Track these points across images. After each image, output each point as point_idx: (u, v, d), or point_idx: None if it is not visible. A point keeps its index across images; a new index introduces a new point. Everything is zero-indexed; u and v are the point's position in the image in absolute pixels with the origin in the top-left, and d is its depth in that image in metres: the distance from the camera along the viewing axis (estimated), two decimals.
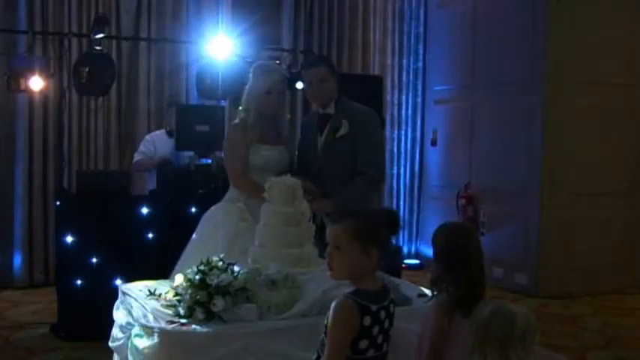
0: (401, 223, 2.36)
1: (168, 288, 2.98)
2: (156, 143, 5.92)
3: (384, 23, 8.09)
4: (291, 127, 3.91)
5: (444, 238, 2.53)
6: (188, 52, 7.08)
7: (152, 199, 5.28)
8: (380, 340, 2.29)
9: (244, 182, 3.59)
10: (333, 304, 2.24)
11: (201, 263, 2.80)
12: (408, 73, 8.20)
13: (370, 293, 2.27)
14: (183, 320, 2.71)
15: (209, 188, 5.05)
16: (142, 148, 5.97)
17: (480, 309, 2.09)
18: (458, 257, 2.46)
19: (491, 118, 7.19)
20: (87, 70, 5.65)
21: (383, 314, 2.28)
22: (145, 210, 5.10)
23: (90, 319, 4.56)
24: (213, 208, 3.70)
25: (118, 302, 3.21)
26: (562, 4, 6.59)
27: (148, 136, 6.12)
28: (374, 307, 2.25)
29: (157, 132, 6.16)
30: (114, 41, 6.78)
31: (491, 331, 2.00)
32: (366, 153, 3.65)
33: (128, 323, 2.96)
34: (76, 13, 6.71)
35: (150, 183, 5.77)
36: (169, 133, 5.88)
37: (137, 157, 5.95)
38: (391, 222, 2.36)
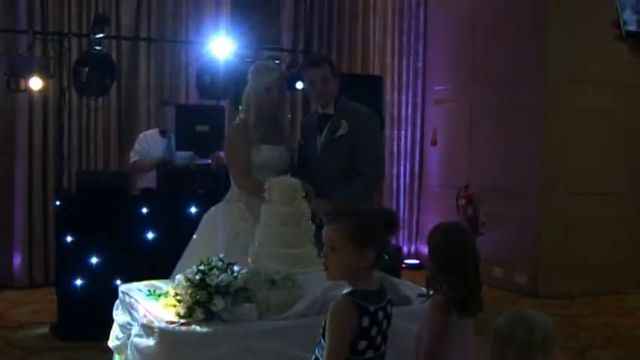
0: (399, 223, 2.36)
1: (168, 288, 2.98)
2: (149, 142, 5.91)
3: (384, 23, 8.10)
4: (291, 127, 3.90)
5: (438, 237, 2.54)
6: (188, 52, 7.08)
7: (152, 199, 5.28)
8: (378, 340, 2.28)
9: (247, 182, 3.59)
10: (331, 305, 2.23)
11: (201, 263, 2.80)
12: (408, 73, 8.20)
13: (368, 294, 2.26)
14: (183, 320, 2.71)
15: (209, 188, 5.06)
16: (136, 146, 5.96)
17: (498, 316, 2.06)
18: (452, 257, 2.47)
19: (491, 118, 7.19)
20: (87, 70, 5.66)
21: (381, 315, 2.27)
22: (144, 210, 5.10)
23: (90, 319, 4.55)
24: (213, 208, 3.70)
25: (118, 302, 3.21)
26: (562, 4, 6.59)
27: (141, 135, 6.10)
28: (372, 308, 2.23)
29: (151, 131, 6.15)
30: (114, 41, 6.78)
31: (512, 339, 1.97)
32: (365, 153, 3.65)
33: (128, 323, 2.96)
34: (76, 13, 6.71)
35: (142, 182, 5.75)
36: (162, 133, 5.88)
37: (133, 156, 5.93)
38: (389, 222, 2.34)
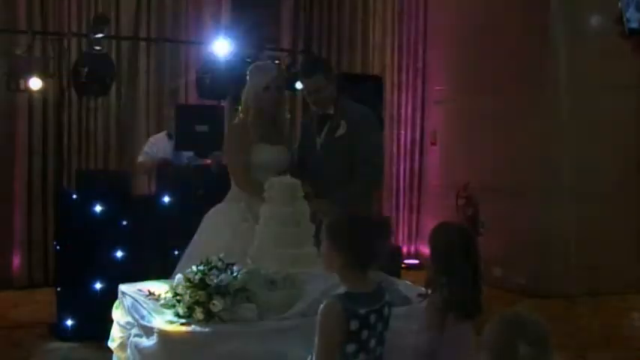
0: (392, 230, 2.42)
1: (168, 288, 2.98)
2: (159, 145, 5.93)
3: (384, 23, 8.09)
4: (291, 127, 3.90)
5: (440, 238, 2.55)
6: (188, 52, 7.08)
7: (152, 199, 5.28)
8: (372, 344, 2.24)
9: (246, 182, 3.59)
10: (320, 308, 2.22)
11: (201, 263, 2.80)
12: (408, 73, 8.20)
13: (360, 296, 2.23)
14: (183, 320, 2.71)
15: (209, 188, 5.05)
16: (145, 149, 5.98)
17: (493, 317, 2.06)
18: (452, 258, 2.47)
19: (491, 117, 7.19)
20: (87, 70, 5.66)
21: (374, 318, 2.24)
22: (145, 210, 5.10)
23: (90, 319, 4.56)
24: (214, 208, 3.70)
25: (117, 302, 3.21)
26: (562, 4, 6.59)
27: (152, 138, 6.12)
28: (362, 311, 2.20)
29: (160, 134, 6.18)
30: (114, 41, 6.77)
31: (504, 340, 1.97)
32: (365, 153, 3.65)
33: (128, 323, 2.96)
34: (76, 13, 6.71)
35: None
36: (169, 136, 5.89)
37: (140, 158, 5.96)
38: (381, 230, 2.37)
